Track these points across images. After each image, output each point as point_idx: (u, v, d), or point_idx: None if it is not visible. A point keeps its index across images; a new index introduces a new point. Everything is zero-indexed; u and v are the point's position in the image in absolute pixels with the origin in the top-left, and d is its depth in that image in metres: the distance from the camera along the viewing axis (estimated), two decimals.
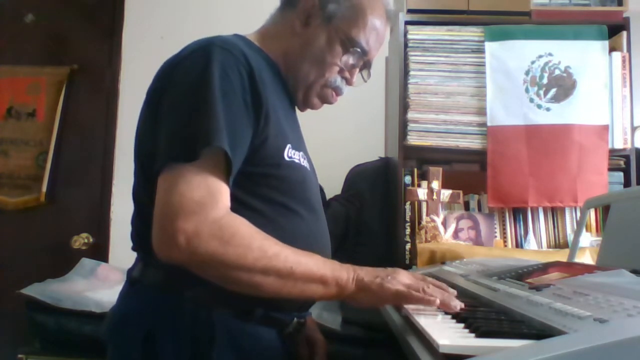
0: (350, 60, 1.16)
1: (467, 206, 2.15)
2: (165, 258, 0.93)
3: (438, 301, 0.90)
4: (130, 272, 1.07)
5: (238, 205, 0.98)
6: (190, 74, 0.98)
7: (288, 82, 1.16)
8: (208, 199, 0.92)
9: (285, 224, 1.04)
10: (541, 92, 2.10)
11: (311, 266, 0.96)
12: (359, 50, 1.15)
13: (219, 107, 0.94)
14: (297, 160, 1.08)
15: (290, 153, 1.05)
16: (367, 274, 0.98)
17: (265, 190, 1.03)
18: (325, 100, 1.20)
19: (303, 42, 1.14)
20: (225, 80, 0.96)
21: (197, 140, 0.93)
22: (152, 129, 0.99)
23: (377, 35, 1.17)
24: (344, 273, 0.97)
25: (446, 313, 0.89)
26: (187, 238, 0.89)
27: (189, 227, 0.89)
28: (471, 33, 2.15)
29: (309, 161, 1.16)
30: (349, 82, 1.19)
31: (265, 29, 1.19)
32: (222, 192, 0.94)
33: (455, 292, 0.96)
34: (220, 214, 0.92)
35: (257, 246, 0.93)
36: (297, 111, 1.23)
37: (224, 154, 0.93)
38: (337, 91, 1.19)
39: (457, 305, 0.90)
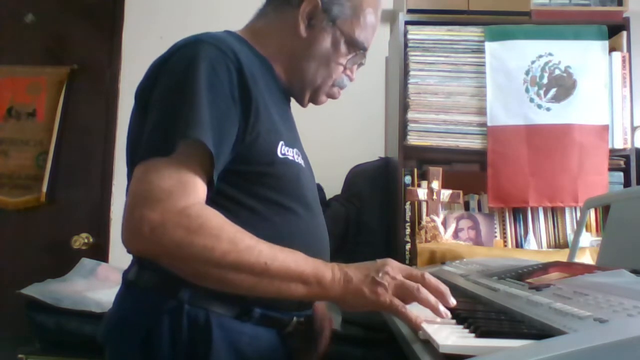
0: (354, 59, 1.18)
1: (467, 206, 2.15)
2: (131, 250, 0.92)
3: (422, 325, 0.82)
4: (125, 274, 1.06)
5: (233, 205, 0.98)
6: (177, 71, 0.98)
7: (292, 82, 1.17)
8: (177, 188, 0.89)
9: (281, 222, 1.03)
10: (541, 92, 2.10)
11: (289, 262, 0.90)
12: (362, 50, 1.17)
13: (202, 100, 0.93)
14: (291, 157, 1.07)
15: (283, 150, 1.05)
16: (355, 272, 0.91)
17: (259, 189, 1.02)
18: (331, 97, 1.22)
19: (308, 45, 1.13)
20: (212, 75, 0.96)
21: (174, 133, 0.91)
22: (140, 129, 0.98)
23: (373, 29, 1.19)
24: (329, 272, 0.90)
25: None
26: (151, 227, 0.86)
27: (154, 216, 0.86)
28: (471, 33, 2.15)
29: (305, 158, 1.16)
30: (350, 78, 1.22)
31: (257, 26, 1.18)
32: (196, 184, 0.91)
33: (447, 288, 0.91)
34: (189, 203, 0.89)
35: (226, 238, 0.88)
36: (297, 111, 1.24)
37: (204, 148, 0.91)
38: (342, 88, 1.22)
39: (445, 311, 0.86)
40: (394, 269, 0.91)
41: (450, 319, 0.85)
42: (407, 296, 0.88)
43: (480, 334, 0.70)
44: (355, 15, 1.14)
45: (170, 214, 0.87)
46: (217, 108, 0.95)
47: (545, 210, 2.12)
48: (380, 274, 0.90)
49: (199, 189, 0.92)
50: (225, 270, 0.89)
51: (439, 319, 0.85)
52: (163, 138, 0.92)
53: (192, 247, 0.87)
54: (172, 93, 0.96)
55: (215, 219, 0.90)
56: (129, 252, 1.00)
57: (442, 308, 0.86)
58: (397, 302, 0.88)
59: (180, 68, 0.97)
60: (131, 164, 1.03)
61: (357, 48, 1.16)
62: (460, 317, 0.83)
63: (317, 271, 0.91)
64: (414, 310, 0.87)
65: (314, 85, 1.17)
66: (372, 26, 1.18)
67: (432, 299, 0.87)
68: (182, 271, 0.92)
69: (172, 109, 0.94)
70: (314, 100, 1.20)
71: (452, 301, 0.89)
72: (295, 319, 1.09)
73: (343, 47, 1.15)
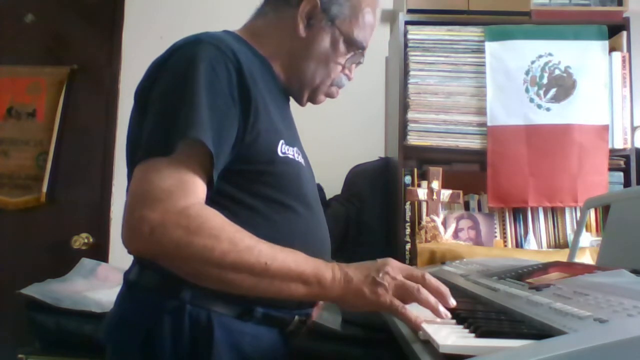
0: (353, 59, 1.19)
1: (467, 206, 2.15)
2: (131, 250, 0.92)
3: (422, 325, 0.81)
4: (127, 274, 1.06)
5: (233, 204, 0.98)
6: (176, 71, 0.98)
7: (290, 82, 1.17)
8: (176, 188, 0.89)
9: (281, 221, 1.03)
10: (541, 92, 2.10)
11: (289, 262, 0.90)
12: (360, 50, 1.18)
13: (201, 100, 0.93)
14: (291, 156, 1.07)
15: (284, 149, 1.05)
16: (355, 272, 0.91)
17: (260, 188, 1.02)
18: (330, 96, 1.22)
19: (306, 45, 1.14)
20: (212, 75, 0.96)
21: (174, 133, 0.91)
22: (140, 129, 0.99)
23: (372, 29, 1.20)
24: (329, 272, 0.91)
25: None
26: (151, 227, 0.86)
27: (154, 216, 0.86)
28: (471, 33, 2.15)
29: (304, 157, 1.16)
30: (349, 77, 1.22)
31: (255, 26, 1.18)
32: (196, 184, 0.92)
33: (447, 289, 0.91)
34: (188, 203, 0.89)
35: (226, 238, 0.88)
36: (297, 111, 1.24)
37: (204, 148, 0.91)
38: (341, 87, 1.22)
39: (445, 312, 0.86)
40: (394, 269, 0.91)
41: (450, 319, 0.85)
42: (407, 296, 0.89)
43: (480, 334, 0.70)
44: (354, 15, 1.15)
45: (170, 214, 0.87)
46: (217, 108, 0.95)
47: (545, 210, 2.12)
48: (380, 274, 0.90)
49: (199, 188, 0.92)
50: (225, 271, 0.89)
51: (439, 319, 0.85)
52: (163, 138, 0.92)
53: (191, 247, 0.87)
54: (172, 93, 0.96)
55: (215, 219, 0.90)
56: (129, 252, 1.01)
57: (442, 309, 0.86)
58: (397, 302, 0.88)
59: (180, 68, 0.97)
60: (131, 163, 1.03)
61: (355, 47, 1.17)
62: (460, 317, 0.83)
63: (317, 271, 0.91)
64: (414, 310, 0.87)
65: (312, 85, 1.17)
66: (371, 25, 1.18)
67: (432, 299, 0.87)
68: (182, 271, 0.92)
69: (172, 109, 0.94)
70: (313, 99, 1.21)
71: (452, 302, 0.89)
72: (296, 317, 1.09)
73: (342, 47, 1.15)
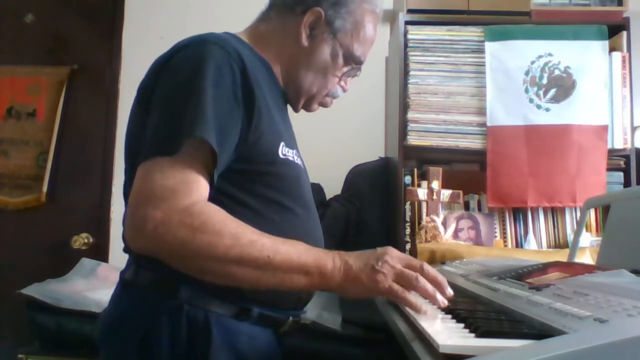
0: (350, 72, 1.21)
1: (467, 206, 2.15)
2: (135, 247, 0.93)
3: (423, 310, 0.85)
4: (122, 274, 1.06)
5: (233, 203, 0.99)
6: (182, 69, 0.98)
7: (288, 88, 1.18)
8: (180, 187, 0.90)
9: (280, 222, 1.04)
10: (541, 92, 2.10)
11: (291, 254, 0.92)
12: (358, 65, 1.20)
13: (207, 100, 0.93)
14: (291, 158, 1.08)
15: (284, 150, 1.06)
16: (356, 260, 0.93)
17: (260, 188, 1.03)
18: (323, 105, 1.25)
19: (307, 54, 1.15)
20: (217, 75, 0.96)
21: (179, 132, 0.92)
22: (141, 126, 0.99)
23: (371, 44, 1.22)
24: (329, 262, 0.93)
25: (446, 312, 0.89)
26: (155, 225, 0.87)
27: (158, 214, 0.87)
28: (471, 33, 2.15)
29: (301, 159, 1.17)
30: (344, 89, 1.24)
31: (259, 29, 1.19)
32: (199, 182, 0.92)
33: (445, 279, 0.93)
34: (192, 202, 0.90)
35: (229, 233, 0.90)
36: (295, 110, 1.24)
37: (208, 147, 0.92)
38: (335, 97, 1.24)
39: (442, 300, 0.88)
40: (393, 258, 0.93)
41: (451, 317, 0.85)
42: (406, 285, 0.91)
43: (480, 334, 0.70)
44: (356, 30, 1.16)
45: (173, 212, 0.88)
46: (222, 108, 0.95)
47: (545, 210, 2.12)
48: (380, 263, 0.92)
49: (202, 187, 0.93)
50: (229, 265, 0.90)
51: (439, 317, 0.86)
52: (168, 136, 0.93)
53: (195, 244, 0.88)
54: (178, 92, 0.97)
55: (218, 215, 0.91)
56: (124, 250, 1.01)
57: (439, 297, 0.88)
58: (396, 287, 0.90)
59: (186, 67, 0.98)
60: (130, 160, 1.04)
61: (354, 62, 1.19)
62: (460, 317, 0.83)
63: (318, 261, 0.93)
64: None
65: (309, 93, 1.19)
66: (371, 41, 1.20)
67: (430, 288, 0.89)
68: (184, 267, 0.93)
69: (177, 109, 0.95)
70: (307, 107, 1.23)
71: (450, 291, 0.91)
72: (291, 318, 1.10)
73: (341, 60, 1.17)
